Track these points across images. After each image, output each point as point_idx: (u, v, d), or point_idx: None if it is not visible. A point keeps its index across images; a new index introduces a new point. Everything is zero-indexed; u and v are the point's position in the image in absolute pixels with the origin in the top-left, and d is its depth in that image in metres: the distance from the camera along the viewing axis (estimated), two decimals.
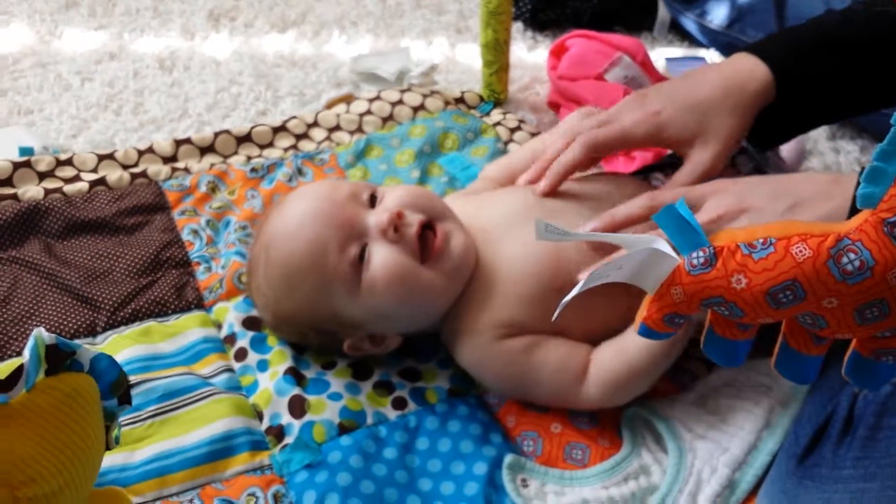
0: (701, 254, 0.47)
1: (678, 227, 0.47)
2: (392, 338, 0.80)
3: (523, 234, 0.77)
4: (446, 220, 0.78)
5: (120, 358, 0.80)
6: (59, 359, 0.48)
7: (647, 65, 1.18)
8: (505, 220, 0.81)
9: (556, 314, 0.52)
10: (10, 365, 0.63)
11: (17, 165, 1.01)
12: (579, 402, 0.75)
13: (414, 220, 0.75)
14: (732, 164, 0.87)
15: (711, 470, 0.71)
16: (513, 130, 1.14)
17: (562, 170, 0.81)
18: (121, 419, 0.74)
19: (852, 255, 0.45)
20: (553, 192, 0.81)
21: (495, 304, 0.76)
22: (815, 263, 0.45)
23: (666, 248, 0.47)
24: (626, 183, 0.85)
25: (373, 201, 0.78)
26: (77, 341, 0.82)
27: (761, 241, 0.46)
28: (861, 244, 0.44)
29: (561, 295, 0.74)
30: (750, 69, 0.79)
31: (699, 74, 0.82)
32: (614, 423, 0.77)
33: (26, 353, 0.47)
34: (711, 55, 1.35)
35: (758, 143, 0.85)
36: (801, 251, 0.45)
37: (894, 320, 0.47)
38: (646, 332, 0.50)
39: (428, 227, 0.76)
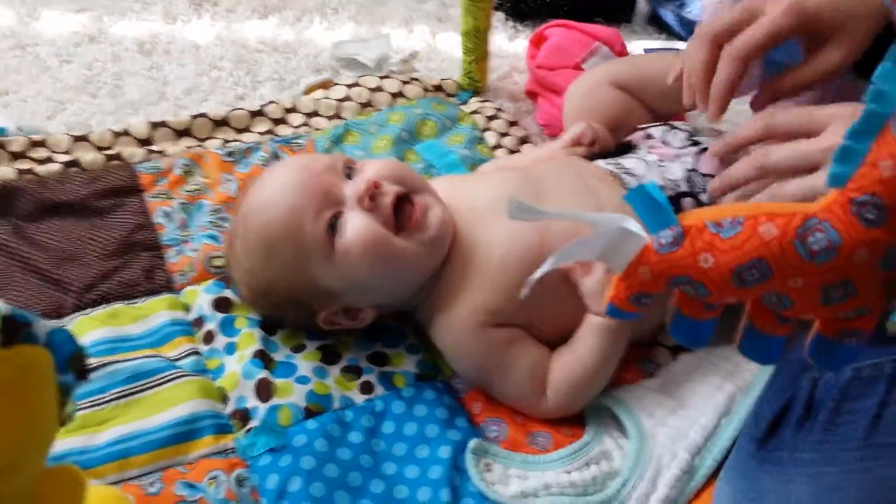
0: (669, 232, 0.47)
1: (647, 206, 0.47)
2: (367, 311, 0.79)
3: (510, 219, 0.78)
4: (424, 193, 0.79)
5: (86, 339, 0.80)
6: (14, 330, 0.47)
7: (624, 55, 1.18)
8: (493, 202, 0.81)
9: (524, 291, 0.52)
10: None
11: None
12: (538, 408, 0.76)
13: (390, 190, 0.76)
14: None
15: (671, 455, 0.72)
16: (490, 118, 1.14)
17: (724, 91, 0.75)
18: (85, 401, 0.74)
19: (819, 235, 0.44)
20: (722, 115, 0.76)
21: (478, 286, 0.77)
22: (781, 242, 0.45)
23: (635, 226, 0.47)
24: (589, 168, 0.85)
25: (350, 174, 0.79)
26: None
27: (729, 220, 0.46)
28: (828, 224, 0.44)
29: (541, 283, 0.75)
30: None
31: None
32: (577, 412, 0.77)
33: None
34: None
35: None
36: (768, 230, 0.45)
37: (859, 301, 0.47)
38: (612, 311, 0.50)
39: (405, 200, 0.77)
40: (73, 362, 0.53)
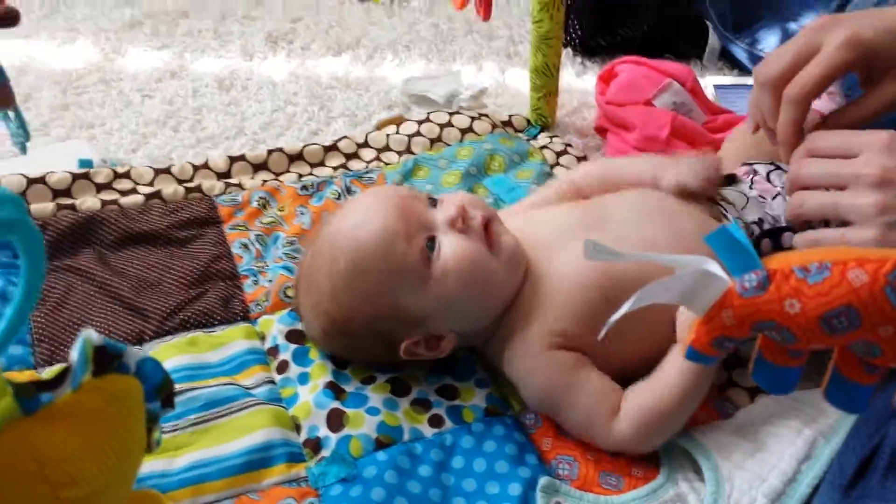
0: (754, 276, 0.46)
1: (730, 248, 0.46)
2: (449, 337, 0.80)
3: (576, 246, 0.78)
4: (498, 222, 0.81)
5: (166, 366, 0.81)
6: (106, 360, 0.49)
7: (696, 91, 1.18)
8: (558, 232, 0.83)
9: (603, 332, 0.52)
10: (59, 369, 0.65)
11: (76, 177, 1.04)
12: (609, 436, 0.75)
13: (477, 214, 0.78)
14: None
15: (750, 501, 0.70)
16: (559, 154, 1.15)
17: (789, 135, 0.75)
18: (164, 426, 0.76)
19: None
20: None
21: (548, 314, 0.77)
22: (872, 289, 0.44)
23: (717, 269, 0.46)
24: (668, 197, 0.85)
25: (434, 203, 0.81)
26: None
27: (816, 265, 0.45)
28: None
29: (612, 307, 0.75)
30: None
31: (887, 9, 0.78)
32: (648, 454, 0.76)
33: (74, 353, 0.47)
34: None
35: None
36: (857, 276, 0.44)
37: None
38: (693, 355, 0.49)
39: (488, 224, 0.79)
40: (161, 390, 0.55)
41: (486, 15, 0.80)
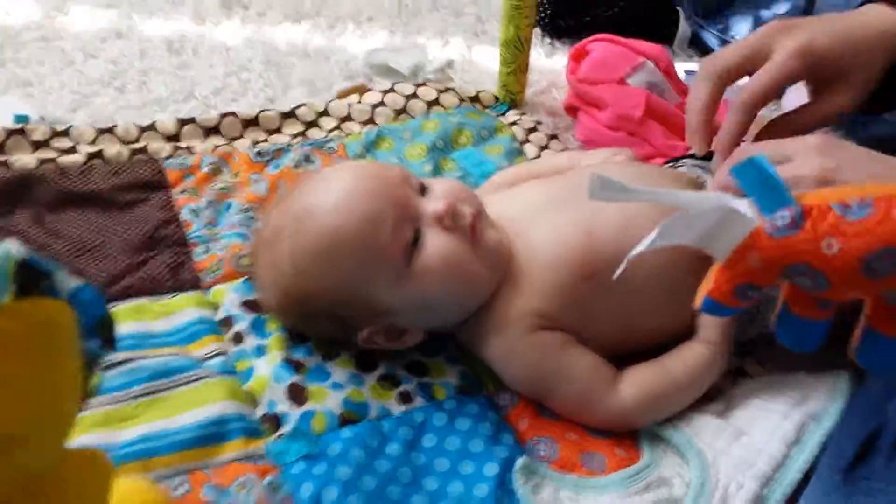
0: (787, 213, 0.41)
1: (760, 183, 0.41)
2: (415, 332, 0.74)
3: (552, 220, 0.75)
4: (484, 217, 0.75)
5: None
6: (31, 279, 0.39)
7: (670, 73, 1.15)
8: (532, 209, 0.77)
9: (620, 269, 0.46)
10: None
11: (10, 133, 0.96)
12: (611, 405, 0.70)
13: (467, 211, 0.72)
14: None
15: (738, 485, 0.66)
16: (529, 131, 1.10)
17: (732, 141, 0.74)
18: (104, 398, 0.69)
19: None
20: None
21: (526, 293, 0.72)
22: None
23: (743, 207, 0.41)
24: (663, 173, 0.81)
25: (422, 190, 0.74)
26: None
27: (858, 200, 0.40)
28: None
29: (592, 284, 0.71)
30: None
31: (852, 14, 0.76)
32: (632, 435, 0.72)
33: None
34: None
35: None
36: None
37: None
38: (711, 306, 0.44)
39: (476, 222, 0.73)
40: (101, 327, 0.44)
41: None
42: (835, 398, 0.70)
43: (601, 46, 1.16)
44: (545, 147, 1.08)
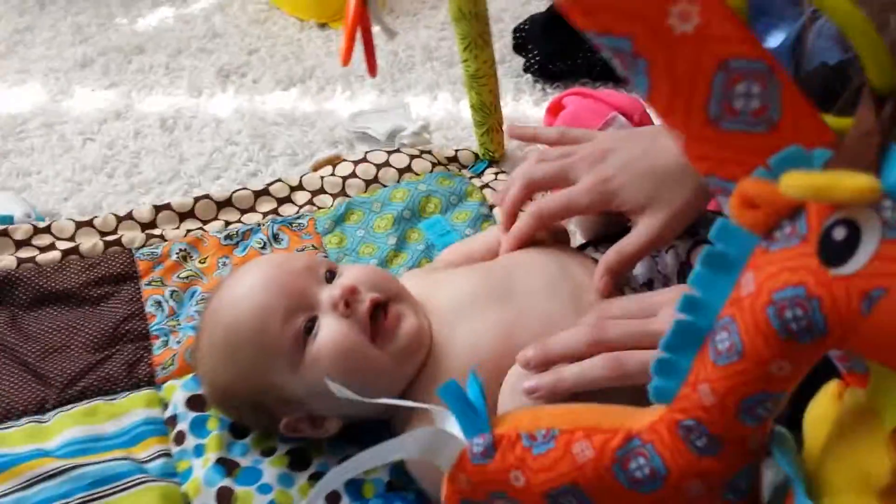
0: (481, 441, 0.41)
1: (461, 407, 0.41)
2: (331, 420, 0.76)
3: (472, 323, 0.74)
4: (401, 302, 0.75)
5: (60, 440, 0.80)
6: None
7: (645, 123, 1.12)
8: (458, 303, 0.77)
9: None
10: None
11: None
12: None
13: (367, 297, 0.73)
14: None
15: None
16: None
17: (515, 242, 0.81)
18: None
19: (642, 461, 0.38)
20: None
21: None
22: (597, 467, 0.39)
23: (454, 427, 0.42)
24: (575, 259, 0.80)
25: (330, 277, 0.76)
26: (25, 419, 0.82)
27: (544, 431, 0.40)
28: (652, 448, 0.38)
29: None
30: None
31: (662, 140, 0.76)
32: None
33: None
34: None
35: None
36: (582, 451, 0.39)
37: None
38: None
39: (381, 308, 0.73)
40: None
41: (373, 71, 0.76)
42: None
43: (574, 100, 1.14)
44: None
